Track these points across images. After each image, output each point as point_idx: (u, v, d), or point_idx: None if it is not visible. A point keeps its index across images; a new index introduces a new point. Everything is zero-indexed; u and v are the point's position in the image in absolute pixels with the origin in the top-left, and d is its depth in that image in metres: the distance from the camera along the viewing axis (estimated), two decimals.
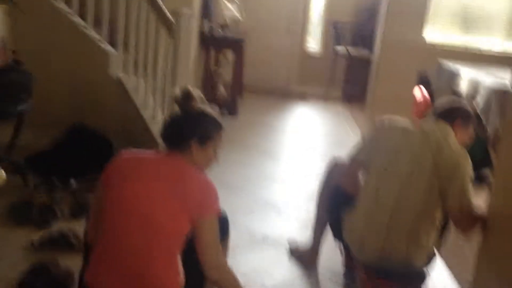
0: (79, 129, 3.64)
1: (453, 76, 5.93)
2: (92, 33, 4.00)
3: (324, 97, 7.23)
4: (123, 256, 1.75)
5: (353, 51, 7.03)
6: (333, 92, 7.27)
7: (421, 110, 5.62)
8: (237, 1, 6.42)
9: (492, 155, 4.58)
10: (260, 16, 7.17)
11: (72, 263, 2.37)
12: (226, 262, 1.85)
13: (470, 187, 2.23)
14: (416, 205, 2.24)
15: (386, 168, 2.31)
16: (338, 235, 2.54)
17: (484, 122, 4.87)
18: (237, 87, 5.87)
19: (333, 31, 7.18)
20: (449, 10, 7.30)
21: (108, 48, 4.01)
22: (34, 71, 3.22)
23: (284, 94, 7.24)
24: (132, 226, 1.74)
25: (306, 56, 7.50)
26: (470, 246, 3.13)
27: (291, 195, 3.72)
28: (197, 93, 1.98)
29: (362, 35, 7.11)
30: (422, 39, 5.07)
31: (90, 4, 3.93)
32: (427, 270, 2.38)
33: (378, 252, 2.28)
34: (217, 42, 5.76)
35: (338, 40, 7.17)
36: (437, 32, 7.22)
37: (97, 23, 4.01)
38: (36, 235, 2.58)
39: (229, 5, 6.15)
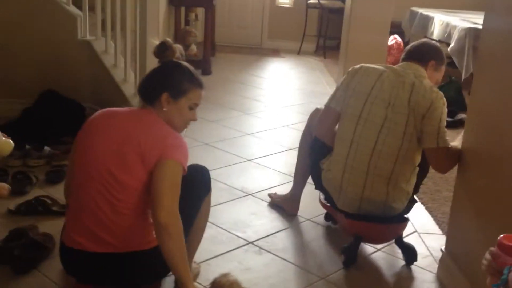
0: (49, 95, 3.57)
1: (426, 22, 5.93)
2: None
3: (297, 51, 7.18)
4: (89, 215, 1.75)
5: (324, 2, 6.94)
6: (306, 46, 7.22)
7: (396, 58, 5.62)
8: None
9: (466, 97, 4.63)
10: None
11: (51, 227, 2.36)
12: (177, 211, 1.71)
13: (444, 126, 2.24)
14: (394, 148, 2.25)
15: (361, 113, 2.31)
16: (318, 183, 2.55)
17: (457, 64, 4.90)
18: (209, 45, 5.78)
19: None
20: None
21: (75, 10, 3.90)
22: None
23: (257, 50, 7.17)
24: (98, 186, 1.73)
25: (278, 10, 7.40)
26: (448, 189, 3.20)
27: (268, 149, 3.73)
28: (177, 47, 1.93)
29: None
30: None
31: None
32: (406, 212, 2.42)
33: (358, 197, 2.31)
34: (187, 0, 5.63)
35: None
36: None
37: None
38: (13, 203, 2.55)
39: None
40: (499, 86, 1.95)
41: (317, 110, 2.71)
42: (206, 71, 5.61)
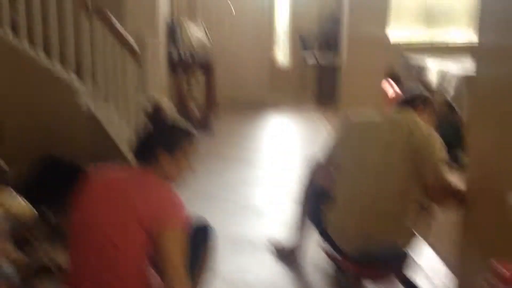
0: (48, 159, 3.62)
1: (421, 69, 6.03)
2: (59, 70, 4.00)
3: (297, 105, 7.30)
4: (90, 283, 1.74)
5: (321, 58, 7.11)
6: (305, 100, 7.34)
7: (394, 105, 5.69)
8: (202, 24, 6.48)
9: (465, 137, 4.65)
10: (227, 34, 7.25)
11: None
12: (186, 274, 1.74)
13: (443, 164, 2.31)
14: (395, 190, 2.30)
15: (358, 162, 2.38)
16: (321, 231, 2.58)
17: (456, 108, 4.96)
18: (210, 106, 5.91)
19: (300, 41, 7.28)
20: (411, 7, 7.46)
21: (77, 83, 4.01)
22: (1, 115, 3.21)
23: (258, 108, 7.30)
24: (95, 253, 1.73)
25: (276, 68, 7.59)
26: (456, 230, 3.17)
27: (270, 198, 3.75)
28: (167, 104, 1.98)
29: (329, 42, 7.21)
30: (386, 37, 5.16)
31: (54, 40, 3.94)
32: (409, 251, 2.43)
33: (361, 239, 2.34)
34: (187, 66, 5.81)
35: (305, 49, 7.26)
36: (401, 29, 7.38)
37: (62, 59, 4.02)
38: None
39: (194, 29, 6.21)
40: (496, 126, 2.00)
41: (316, 161, 2.76)
42: (209, 131, 5.70)
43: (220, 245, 2.13)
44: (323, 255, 2.68)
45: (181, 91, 5.84)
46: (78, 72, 4.02)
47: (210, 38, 6.37)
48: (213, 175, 4.20)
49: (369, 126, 2.43)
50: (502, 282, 1.09)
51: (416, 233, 2.46)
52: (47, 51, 4.00)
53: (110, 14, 3.82)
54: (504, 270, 1.10)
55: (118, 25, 3.83)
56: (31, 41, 3.95)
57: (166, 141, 1.84)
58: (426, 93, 2.62)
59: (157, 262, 1.74)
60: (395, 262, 2.39)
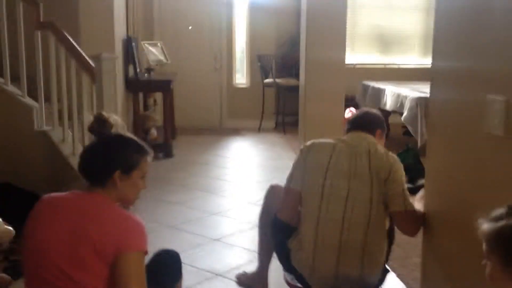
0: (4, 188, 3.46)
1: (378, 94, 6.15)
2: (11, 88, 3.86)
3: (257, 129, 7.28)
4: None
5: (280, 81, 7.15)
6: (266, 124, 7.34)
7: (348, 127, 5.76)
8: (159, 44, 6.42)
9: (424, 163, 4.73)
10: (185, 56, 7.20)
11: None
12: None
13: (406, 188, 2.25)
14: (362, 217, 2.20)
15: (323, 189, 2.25)
16: (287, 266, 2.42)
17: (412, 132, 5.05)
18: (170, 128, 5.81)
19: (259, 63, 7.30)
20: (366, 33, 7.65)
21: (30, 101, 3.88)
22: None
23: (217, 131, 7.24)
24: (50, 282, 1.60)
25: (235, 91, 7.57)
26: (417, 254, 3.19)
27: (236, 227, 3.67)
28: (114, 119, 1.86)
29: (287, 65, 7.27)
30: (343, 62, 5.24)
31: (5, 60, 3.80)
32: (381, 284, 2.36)
33: (332, 275, 2.23)
34: (144, 85, 5.72)
35: (264, 72, 7.29)
36: (357, 54, 7.54)
37: (15, 78, 3.88)
38: None
39: (152, 49, 6.14)
40: (451, 149, 2.01)
41: (271, 187, 2.67)
42: (168, 154, 5.60)
43: (187, 279, 2.03)
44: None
45: (139, 111, 5.72)
46: (31, 89, 3.88)
47: (167, 58, 6.30)
48: (177, 205, 4.09)
49: (328, 153, 2.28)
50: None
51: (387, 267, 2.41)
52: None
53: (63, 30, 3.72)
54: None
55: (71, 40, 3.73)
56: None
57: (122, 161, 1.70)
58: (381, 116, 2.53)
59: None
60: None
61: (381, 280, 2.35)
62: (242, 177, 5.03)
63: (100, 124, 1.79)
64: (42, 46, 3.79)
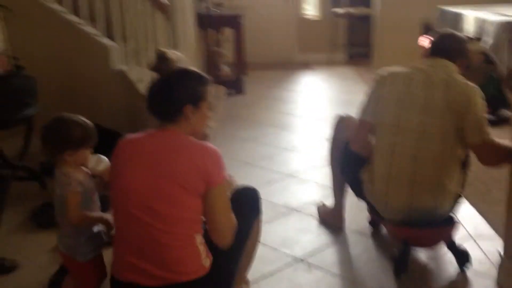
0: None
1: (457, 20, 5.80)
2: (88, 29, 3.96)
3: (328, 62, 7.14)
4: (136, 252, 1.71)
5: (351, 9, 6.89)
6: (337, 56, 7.17)
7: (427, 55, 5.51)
8: None
9: (506, 93, 4.50)
10: None
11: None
12: (233, 230, 1.77)
13: (486, 119, 2.16)
14: (435, 153, 2.16)
15: (396, 123, 2.21)
16: (360, 194, 2.48)
17: (496, 61, 4.77)
18: (240, 64, 5.80)
19: None
20: None
21: (107, 42, 3.97)
22: (35, 74, 3.19)
23: (288, 66, 7.16)
24: (140, 220, 1.68)
25: (305, 23, 7.39)
26: (498, 188, 3.09)
27: (308, 163, 3.68)
28: (173, 53, 1.85)
29: None
30: None
31: (81, 1, 3.88)
32: (454, 213, 2.34)
33: (405, 208, 2.23)
34: (215, 21, 5.68)
35: (335, 1, 7.04)
36: None
37: (92, 18, 3.97)
38: None
39: None
40: None
41: (340, 118, 2.67)
42: (239, 91, 5.63)
43: (264, 214, 2.08)
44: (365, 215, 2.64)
45: (210, 48, 5.74)
46: (108, 30, 3.96)
47: None
48: (250, 142, 4.14)
49: (403, 82, 2.22)
50: None
51: (461, 196, 2.37)
52: (76, 10, 3.94)
53: None
54: None
55: None
56: (60, 2, 3.91)
57: (190, 94, 1.73)
58: (466, 41, 2.37)
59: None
60: (441, 227, 2.29)
61: (454, 210, 2.33)
62: (313, 112, 4.99)
63: (162, 61, 1.78)
64: None
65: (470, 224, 2.74)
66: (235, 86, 5.62)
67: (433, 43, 2.34)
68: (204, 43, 5.71)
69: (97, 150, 3.36)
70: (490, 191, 3.11)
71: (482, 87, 4.45)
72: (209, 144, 1.74)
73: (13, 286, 2.28)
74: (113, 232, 1.87)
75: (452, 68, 2.23)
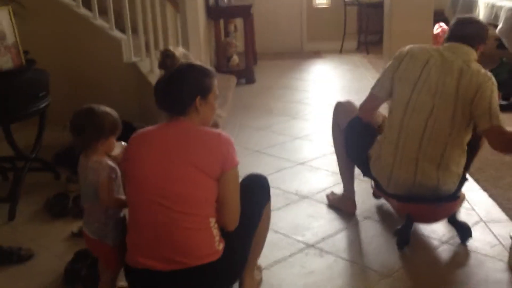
0: None
1: (470, 6, 5.75)
2: (99, 22, 3.99)
3: (339, 50, 7.11)
4: (151, 232, 1.75)
5: None
6: (347, 44, 7.14)
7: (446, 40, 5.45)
8: None
9: None
10: None
11: None
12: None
13: (497, 106, 2.18)
14: (442, 135, 2.23)
15: (408, 101, 2.29)
16: (366, 172, 2.56)
17: (508, 46, 4.73)
18: (251, 54, 5.80)
19: None
20: None
21: (118, 34, 4.00)
22: (47, 68, 3.22)
23: (298, 54, 7.15)
24: (153, 203, 1.73)
25: (315, 11, 7.35)
26: (510, 174, 3.08)
27: (319, 151, 3.69)
28: (179, 51, 1.92)
29: None
30: None
31: None
32: (458, 191, 2.38)
33: (409, 183, 2.30)
34: (225, 11, 5.68)
35: None
36: None
37: (103, 12, 3.99)
38: (75, 225, 2.62)
39: None
40: None
41: (339, 104, 2.74)
42: (250, 80, 5.63)
43: (274, 202, 2.11)
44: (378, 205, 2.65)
45: (220, 39, 5.75)
46: (118, 22, 3.99)
47: None
48: (261, 130, 4.15)
49: (421, 63, 2.27)
50: None
51: (465, 177, 2.41)
52: (87, 3, 3.97)
53: None
54: None
55: None
56: None
57: (200, 88, 1.81)
58: (486, 27, 2.41)
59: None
60: (443, 203, 2.33)
61: (458, 188, 2.37)
62: (324, 100, 4.99)
63: (167, 59, 1.86)
64: None
65: (482, 209, 2.74)
66: (245, 76, 5.63)
67: (453, 28, 2.36)
68: (215, 33, 5.73)
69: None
70: (502, 176, 3.10)
71: (494, 72, 4.47)
72: (222, 132, 1.82)
73: (30, 274, 2.33)
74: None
75: (471, 56, 2.27)
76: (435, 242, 2.47)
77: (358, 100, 2.70)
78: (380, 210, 2.79)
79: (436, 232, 2.53)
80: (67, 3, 3.96)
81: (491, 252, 2.36)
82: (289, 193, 3.03)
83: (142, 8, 3.86)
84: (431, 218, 2.46)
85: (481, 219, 2.64)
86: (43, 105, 3.05)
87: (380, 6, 5.66)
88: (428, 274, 2.25)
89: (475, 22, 2.38)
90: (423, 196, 2.31)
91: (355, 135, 2.54)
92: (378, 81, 2.45)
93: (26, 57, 3.16)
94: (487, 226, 2.58)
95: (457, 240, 2.45)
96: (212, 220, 1.78)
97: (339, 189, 2.94)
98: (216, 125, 2.22)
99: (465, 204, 2.68)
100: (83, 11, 3.98)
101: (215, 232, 1.78)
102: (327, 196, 2.92)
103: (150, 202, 1.74)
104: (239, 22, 6.25)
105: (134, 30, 4.00)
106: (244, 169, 1.93)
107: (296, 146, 3.83)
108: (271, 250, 2.38)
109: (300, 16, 7.32)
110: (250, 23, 5.93)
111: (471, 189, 2.89)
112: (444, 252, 2.41)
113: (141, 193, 1.77)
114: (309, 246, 2.48)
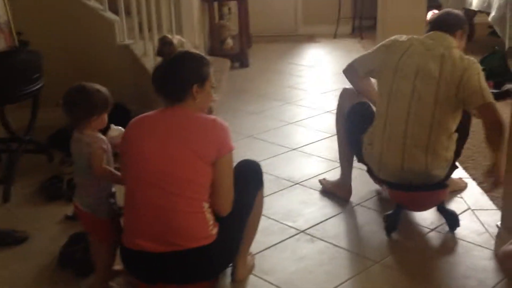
0: None
1: None
2: (93, 3, 3.96)
3: (333, 35, 7.10)
4: (147, 214, 1.80)
5: None
6: (342, 29, 7.13)
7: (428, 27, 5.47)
8: None
9: (509, 66, 4.49)
10: None
11: None
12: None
13: (486, 85, 2.24)
14: (426, 118, 2.29)
15: (391, 88, 2.36)
16: (361, 159, 2.62)
17: (500, 34, 4.75)
18: (245, 37, 5.78)
19: None
20: None
21: (111, 15, 3.97)
22: (40, 49, 3.21)
23: (292, 38, 7.12)
24: (151, 185, 1.78)
25: None
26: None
27: (312, 136, 3.72)
28: (178, 39, 1.97)
29: None
30: None
31: None
32: (447, 178, 2.44)
33: (398, 168, 2.35)
34: None
35: None
36: None
37: None
38: (69, 208, 2.64)
39: None
40: None
41: (345, 90, 2.78)
42: (244, 64, 5.62)
43: (267, 188, 2.14)
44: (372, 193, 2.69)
45: (214, 21, 5.72)
46: (111, 4, 3.96)
47: None
48: (254, 115, 4.17)
49: (401, 47, 2.37)
50: None
51: (455, 163, 2.47)
52: None
53: None
54: None
55: None
56: None
57: (197, 75, 1.86)
58: (464, 16, 2.53)
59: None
60: (433, 191, 2.38)
61: (448, 176, 2.43)
62: (318, 85, 5.00)
63: (165, 46, 1.90)
64: None
65: (471, 197, 2.78)
66: (239, 59, 5.62)
67: (432, 20, 2.49)
68: (209, 16, 5.69)
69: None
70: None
71: (486, 60, 4.48)
72: (217, 118, 1.87)
73: (24, 256, 2.35)
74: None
75: (451, 43, 2.35)
76: (424, 230, 2.51)
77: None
78: (374, 197, 2.82)
79: (425, 219, 2.58)
80: None
81: (478, 240, 2.41)
82: (281, 179, 3.06)
83: None
84: (421, 206, 2.51)
85: (469, 207, 2.69)
86: (37, 87, 3.05)
87: None
88: (416, 261, 2.30)
89: (452, 12, 2.50)
90: (413, 183, 2.35)
91: (356, 119, 2.60)
92: (362, 56, 2.57)
93: (20, 38, 3.15)
94: (474, 214, 2.63)
95: (445, 227, 2.50)
96: (206, 205, 1.82)
97: (332, 175, 2.98)
98: (210, 110, 2.26)
99: (454, 192, 2.75)
100: None
101: (209, 216, 1.83)
102: (320, 181, 2.96)
103: (149, 184, 1.79)
104: (233, 4, 6.20)
105: (128, 12, 3.98)
106: (237, 154, 1.95)
107: (289, 132, 3.85)
108: (263, 236, 2.41)
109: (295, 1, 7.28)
110: (245, 6, 5.90)
111: (460, 177, 2.93)
112: (433, 239, 2.46)
113: (140, 175, 1.81)
114: (301, 232, 2.51)
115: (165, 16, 3.83)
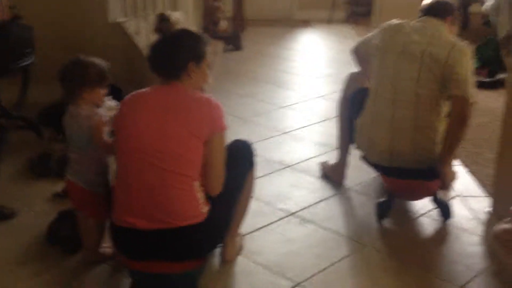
0: None
1: None
2: None
3: (328, 21, 7.06)
4: (139, 191, 1.78)
5: None
6: (336, 14, 7.09)
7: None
8: None
9: (503, 56, 4.50)
10: None
11: None
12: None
13: (472, 77, 2.24)
14: (409, 95, 2.29)
15: (379, 69, 2.39)
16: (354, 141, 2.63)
17: (494, 23, 4.75)
18: (239, 20, 5.74)
19: None
20: None
21: None
22: (32, 24, 3.16)
23: (287, 23, 7.07)
24: (144, 161, 1.77)
25: None
26: (489, 150, 3.14)
27: (304, 120, 3.71)
28: (176, 16, 1.95)
29: None
30: None
31: None
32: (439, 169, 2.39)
33: (387, 150, 2.35)
34: None
35: None
36: None
37: None
38: (58, 185, 2.62)
39: None
40: None
41: (351, 75, 2.77)
42: (237, 46, 5.58)
43: (257, 170, 2.13)
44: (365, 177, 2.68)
45: (208, 2, 5.66)
46: None
47: None
48: (247, 98, 4.14)
49: (392, 30, 2.41)
50: None
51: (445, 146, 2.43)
52: None
53: None
54: None
55: None
56: None
57: (194, 53, 1.85)
58: (453, 4, 2.52)
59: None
60: (424, 181, 2.37)
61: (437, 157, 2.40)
62: (311, 70, 4.98)
63: (163, 23, 1.88)
64: None
65: (461, 184, 2.79)
66: (233, 42, 5.58)
67: (422, 7, 2.49)
68: None
69: None
70: (481, 153, 3.16)
71: (481, 49, 4.48)
72: (211, 97, 1.86)
73: (12, 232, 2.34)
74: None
75: (441, 26, 2.37)
76: (414, 215, 2.52)
77: (344, 72, 2.71)
78: (367, 183, 2.82)
79: (415, 204, 2.59)
80: None
81: (467, 226, 2.42)
82: (273, 162, 3.06)
83: None
84: (413, 195, 2.50)
85: (459, 194, 2.70)
86: (28, 61, 3.01)
87: None
88: (406, 246, 2.31)
89: (442, 0, 2.49)
90: (402, 167, 2.34)
91: (356, 103, 2.59)
92: (367, 37, 2.58)
93: (13, 11, 3.11)
94: (463, 201, 2.64)
95: (435, 213, 2.50)
96: (197, 183, 1.81)
97: (323, 159, 2.98)
98: (201, 91, 2.24)
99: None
100: None
101: (200, 195, 1.82)
102: (321, 163, 2.95)
103: (142, 161, 1.78)
104: None
105: None
106: (229, 137, 1.94)
107: (281, 115, 3.84)
108: (253, 217, 2.40)
109: None
110: None
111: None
112: (422, 225, 2.47)
113: (134, 151, 1.80)
114: (290, 214, 2.52)
115: None
